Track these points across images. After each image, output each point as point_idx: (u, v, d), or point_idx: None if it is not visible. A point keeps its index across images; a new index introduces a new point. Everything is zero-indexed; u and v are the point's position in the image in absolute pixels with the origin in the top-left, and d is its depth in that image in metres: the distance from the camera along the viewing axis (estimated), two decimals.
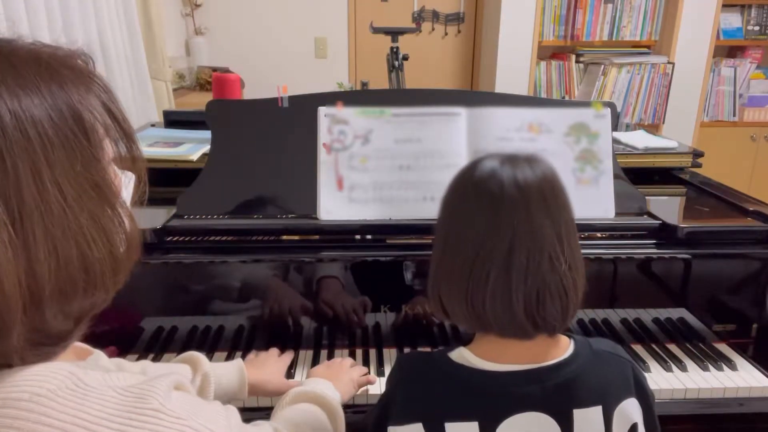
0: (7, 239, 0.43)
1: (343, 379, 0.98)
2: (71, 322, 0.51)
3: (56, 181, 0.46)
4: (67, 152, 0.47)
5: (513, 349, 0.73)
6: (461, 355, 0.76)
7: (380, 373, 1.09)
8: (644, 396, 0.78)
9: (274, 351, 1.10)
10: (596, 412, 0.72)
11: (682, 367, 1.11)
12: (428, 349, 1.14)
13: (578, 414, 0.72)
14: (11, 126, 0.44)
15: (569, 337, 0.77)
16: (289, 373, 1.09)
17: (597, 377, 0.74)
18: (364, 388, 1.05)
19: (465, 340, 0.78)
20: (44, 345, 0.49)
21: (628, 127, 1.83)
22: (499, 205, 0.69)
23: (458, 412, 0.72)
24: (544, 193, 0.70)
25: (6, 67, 0.46)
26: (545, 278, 0.69)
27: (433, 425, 0.72)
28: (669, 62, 3.20)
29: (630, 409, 0.75)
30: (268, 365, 1.04)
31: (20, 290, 0.44)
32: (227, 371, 0.96)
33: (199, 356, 0.94)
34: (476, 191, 0.72)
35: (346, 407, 0.92)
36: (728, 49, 3.50)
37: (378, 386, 1.06)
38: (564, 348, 0.75)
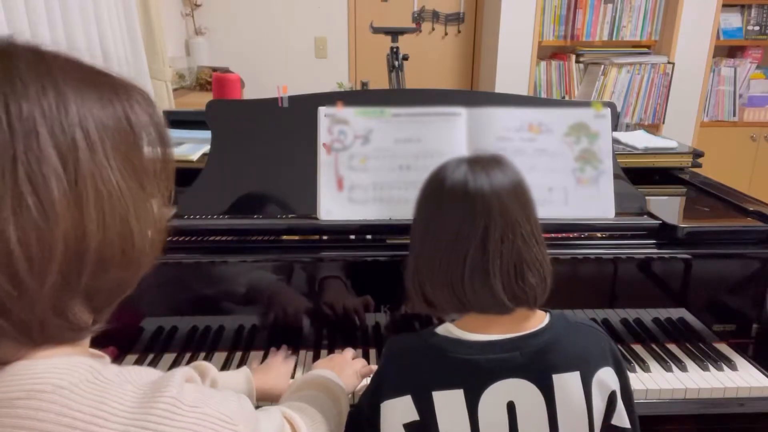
0: (62, 193, 0.47)
1: (346, 371, 0.99)
2: (92, 311, 0.53)
3: (106, 152, 0.50)
4: (114, 133, 0.52)
5: (494, 322, 0.78)
6: (446, 329, 0.80)
7: None
8: (620, 369, 0.81)
9: (279, 356, 1.09)
10: (575, 377, 0.76)
11: (682, 367, 1.11)
12: None
13: (557, 379, 0.75)
14: (73, 106, 0.49)
15: (545, 311, 0.82)
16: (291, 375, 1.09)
17: (573, 344, 0.78)
18: (365, 382, 1.05)
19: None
20: (64, 325, 0.50)
21: (628, 127, 1.83)
22: (473, 202, 0.75)
23: (444, 382, 0.76)
24: (515, 190, 0.76)
25: (65, 65, 0.51)
26: (521, 253, 0.74)
27: (421, 396, 0.76)
28: (669, 62, 3.20)
29: (607, 378, 0.78)
30: (272, 370, 1.04)
31: (66, 240, 0.47)
32: (235, 379, 0.97)
33: (208, 365, 0.94)
34: (450, 196, 0.77)
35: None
36: (728, 49, 3.50)
37: None
38: (541, 319, 0.80)
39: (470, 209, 0.74)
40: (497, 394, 0.75)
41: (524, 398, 0.75)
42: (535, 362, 0.76)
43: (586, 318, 0.85)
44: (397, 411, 0.77)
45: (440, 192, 0.78)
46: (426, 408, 0.76)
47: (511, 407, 0.75)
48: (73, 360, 0.49)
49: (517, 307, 0.76)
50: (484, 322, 0.78)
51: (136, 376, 0.51)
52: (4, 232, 0.45)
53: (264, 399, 0.99)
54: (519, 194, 0.77)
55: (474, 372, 0.76)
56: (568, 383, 0.76)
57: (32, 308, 0.47)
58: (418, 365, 0.78)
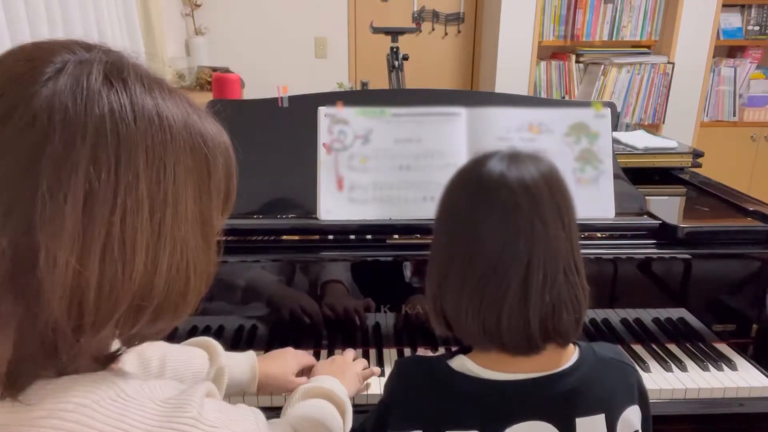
0: (145, 246, 0.47)
1: (348, 374, 0.98)
2: (122, 345, 0.53)
3: (187, 207, 0.50)
4: (197, 184, 0.51)
5: (517, 360, 0.71)
6: (462, 363, 0.73)
7: (380, 373, 1.09)
8: (645, 402, 0.77)
9: (298, 352, 1.06)
10: (600, 420, 0.71)
11: (682, 367, 1.11)
12: (428, 352, 1.15)
13: (581, 422, 0.70)
14: (171, 157, 0.49)
15: (574, 343, 0.75)
16: None
17: (601, 385, 0.73)
18: (367, 382, 1.05)
19: (464, 344, 0.77)
20: (95, 364, 0.50)
21: (628, 127, 1.83)
22: (512, 214, 0.67)
23: (458, 421, 0.71)
24: (555, 197, 0.68)
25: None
26: (561, 292, 0.68)
27: None
28: (669, 62, 3.20)
29: (632, 417, 0.74)
30: (280, 359, 1.02)
31: (135, 295, 0.47)
32: (240, 364, 0.97)
33: (216, 345, 0.94)
34: (487, 199, 0.68)
35: None
36: (728, 49, 3.49)
37: (378, 385, 1.06)
38: (569, 356, 0.73)
39: (509, 229, 0.66)
40: None
41: None
42: (559, 405, 0.70)
43: (614, 349, 0.79)
44: None
45: (472, 200, 0.69)
46: None
47: None
48: (95, 376, 0.49)
49: (547, 345, 0.70)
50: (505, 358, 0.71)
51: (158, 392, 0.51)
52: (88, 282, 0.44)
53: (265, 386, 0.99)
54: (561, 208, 0.69)
55: (492, 414, 0.70)
56: (592, 426, 0.71)
57: (78, 353, 0.47)
58: (431, 401, 0.73)
